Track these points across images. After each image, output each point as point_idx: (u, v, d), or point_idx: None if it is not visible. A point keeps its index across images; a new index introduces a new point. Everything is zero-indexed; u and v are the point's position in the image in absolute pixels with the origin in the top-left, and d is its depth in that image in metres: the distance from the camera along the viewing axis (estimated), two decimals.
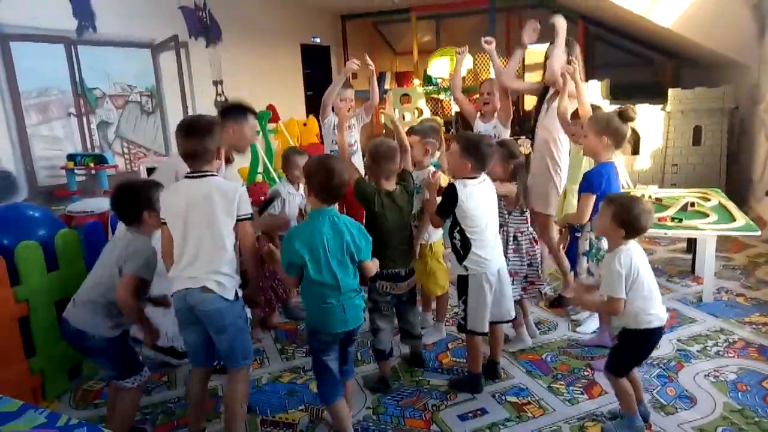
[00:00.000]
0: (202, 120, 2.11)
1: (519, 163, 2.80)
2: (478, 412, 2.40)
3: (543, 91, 3.57)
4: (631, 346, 2.17)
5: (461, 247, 2.45)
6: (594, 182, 2.60)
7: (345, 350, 2.22)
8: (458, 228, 2.45)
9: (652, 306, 2.11)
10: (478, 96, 3.78)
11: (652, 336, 2.15)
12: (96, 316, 2.10)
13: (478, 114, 3.75)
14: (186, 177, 2.08)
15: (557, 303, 3.44)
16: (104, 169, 5.00)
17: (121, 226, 2.29)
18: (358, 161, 3.86)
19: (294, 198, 3.34)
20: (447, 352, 2.94)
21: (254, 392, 2.62)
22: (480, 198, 2.44)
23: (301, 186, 3.29)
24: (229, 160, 2.73)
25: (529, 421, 2.32)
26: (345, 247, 2.07)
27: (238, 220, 2.05)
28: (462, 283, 2.49)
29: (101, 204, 3.72)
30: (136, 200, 2.17)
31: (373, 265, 2.21)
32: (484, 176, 2.51)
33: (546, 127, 3.44)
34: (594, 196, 2.58)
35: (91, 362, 2.26)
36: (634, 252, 2.11)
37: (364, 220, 2.49)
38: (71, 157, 4.98)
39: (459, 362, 2.80)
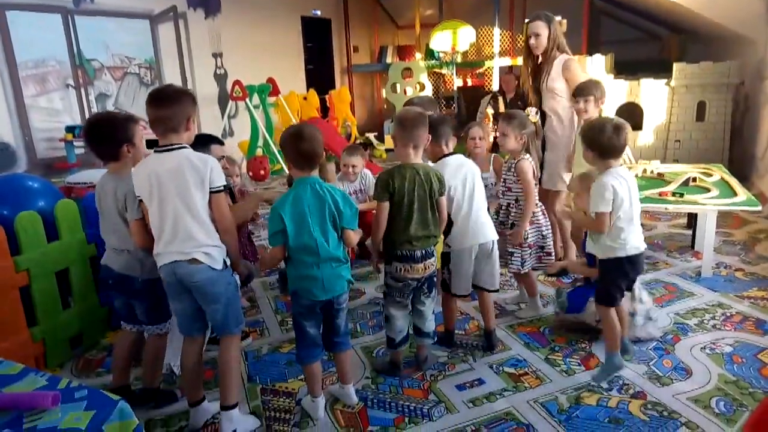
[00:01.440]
0: (170, 88, 2.06)
1: (530, 132, 2.83)
2: (476, 382, 2.43)
3: (533, 68, 3.50)
4: (612, 272, 2.29)
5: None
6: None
7: (331, 321, 2.20)
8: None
9: (632, 236, 2.24)
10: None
11: (630, 261, 2.28)
12: (135, 260, 2.15)
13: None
14: (155, 151, 2.00)
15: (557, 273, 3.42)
16: None
17: (99, 174, 2.27)
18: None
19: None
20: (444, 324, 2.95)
21: (254, 362, 2.65)
22: (456, 177, 2.49)
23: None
24: None
25: (525, 391, 2.35)
26: (327, 213, 2.06)
27: (211, 193, 2.00)
28: (445, 257, 2.59)
29: (100, 175, 3.70)
30: (114, 133, 2.11)
31: (355, 235, 2.16)
32: (460, 157, 2.56)
33: (550, 106, 3.42)
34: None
35: (121, 308, 2.31)
36: (620, 176, 2.23)
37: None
38: (70, 129, 4.96)
39: (458, 334, 2.82)
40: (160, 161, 1.98)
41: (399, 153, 2.38)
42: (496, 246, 2.60)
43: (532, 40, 3.39)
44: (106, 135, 2.12)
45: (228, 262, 2.09)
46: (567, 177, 3.36)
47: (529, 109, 3.01)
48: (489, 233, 2.57)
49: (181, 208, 1.97)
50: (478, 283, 2.63)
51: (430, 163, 2.50)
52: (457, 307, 2.80)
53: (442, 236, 2.55)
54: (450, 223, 2.49)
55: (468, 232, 2.51)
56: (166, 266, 2.01)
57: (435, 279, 2.49)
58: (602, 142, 2.23)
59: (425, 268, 2.38)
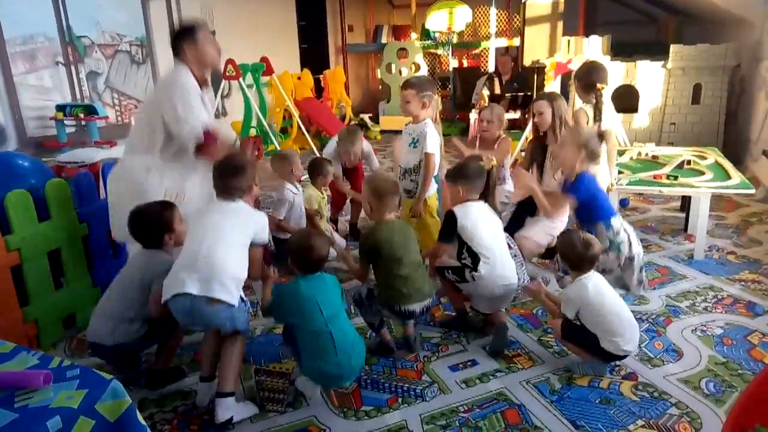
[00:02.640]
0: (238, 160, 2.32)
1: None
2: (469, 363, 2.45)
3: (539, 147, 3.34)
4: (592, 343, 2.29)
5: (471, 263, 2.48)
6: (579, 189, 2.62)
7: None
8: (465, 247, 2.50)
9: (618, 336, 2.24)
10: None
11: (610, 356, 2.29)
12: (129, 327, 2.19)
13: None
14: (218, 198, 2.27)
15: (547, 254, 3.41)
16: (94, 120, 4.92)
17: (91, 153, 2.35)
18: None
19: (298, 197, 3.45)
20: (439, 306, 2.96)
21: (248, 343, 2.64)
22: (475, 215, 2.51)
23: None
24: (205, 83, 2.72)
25: (518, 371, 2.37)
26: (331, 299, 2.16)
27: (252, 245, 2.20)
28: (460, 271, 2.55)
29: (91, 154, 3.67)
30: (155, 226, 2.28)
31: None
32: (483, 206, 2.58)
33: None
34: (570, 202, 2.68)
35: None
36: (590, 285, 2.28)
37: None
38: (60, 108, 4.89)
39: (451, 315, 2.83)
40: (222, 205, 2.24)
41: (376, 218, 2.47)
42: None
43: (537, 119, 3.33)
44: (148, 229, 2.30)
45: (244, 297, 2.21)
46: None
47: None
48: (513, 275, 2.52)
49: (221, 243, 2.10)
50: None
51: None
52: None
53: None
54: (477, 259, 2.47)
55: (494, 275, 2.47)
56: (181, 298, 2.02)
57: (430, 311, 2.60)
58: (572, 257, 2.33)
59: (421, 312, 2.47)
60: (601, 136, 2.65)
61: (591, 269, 2.34)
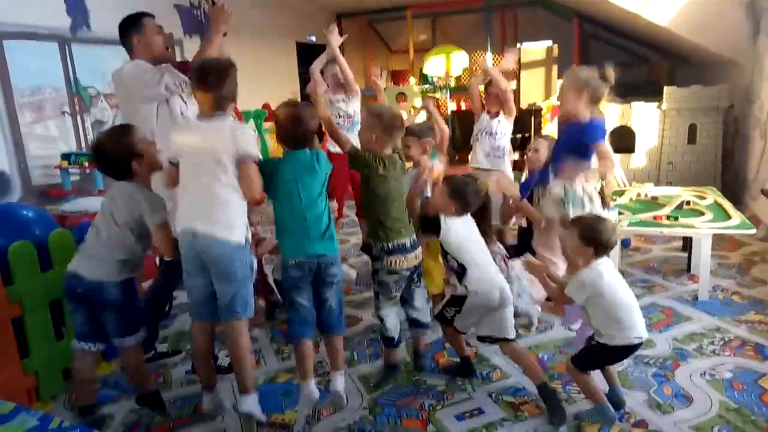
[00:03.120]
0: (215, 62, 2.16)
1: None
2: (475, 411, 2.40)
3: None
4: (604, 352, 2.24)
5: (458, 268, 2.47)
6: (595, 131, 2.63)
7: (322, 293, 2.26)
8: (449, 255, 2.51)
9: (628, 327, 2.18)
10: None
11: (627, 350, 2.24)
12: (111, 263, 2.14)
13: (484, 110, 3.80)
14: (198, 118, 2.13)
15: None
16: None
17: (95, 202, 2.32)
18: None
19: None
20: (443, 352, 2.93)
21: None
22: (463, 231, 2.49)
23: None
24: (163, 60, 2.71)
25: (525, 420, 2.32)
26: (317, 180, 2.20)
27: (243, 163, 2.06)
28: (454, 299, 2.52)
29: (95, 203, 3.69)
30: (118, 154, 2.14)
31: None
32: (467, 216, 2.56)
33: None
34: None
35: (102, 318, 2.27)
36: (604, 272, 2.19)
37: (361, 194, 2.54)
38: (65, 156, 4.95)
39: (456, 362, 2.79)
40: (202, 128, 2.07)
41: (375, 147, 2.43)
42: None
43: (531, 154, 3.45)
44: (111, 159, 2.16)
45: (249, 240, 2.14)
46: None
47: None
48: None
49: (214, 176, 2.01)
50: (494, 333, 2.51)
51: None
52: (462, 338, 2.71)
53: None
54: (464, 269, 2.46)
55: (485, 278, 2.44)
56: (185, 235, 2.03)
57: (421, 268, 2.61)
58: (596, 240, 2.18)
59: (416, 258, 2.51)
60: (603, 76, 2.59)
61: (605, 255, 2.25)
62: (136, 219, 2.13)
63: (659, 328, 3.07)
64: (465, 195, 2.49)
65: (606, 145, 2.61)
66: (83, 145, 5.47)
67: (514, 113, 3.76)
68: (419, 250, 2.53)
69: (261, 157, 2.16)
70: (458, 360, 2.72)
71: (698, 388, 2.49)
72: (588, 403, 2.40)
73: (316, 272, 2.23)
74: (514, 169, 3.85)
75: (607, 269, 2.22)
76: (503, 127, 3.80)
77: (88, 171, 5.00)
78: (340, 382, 2.35)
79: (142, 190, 2.17)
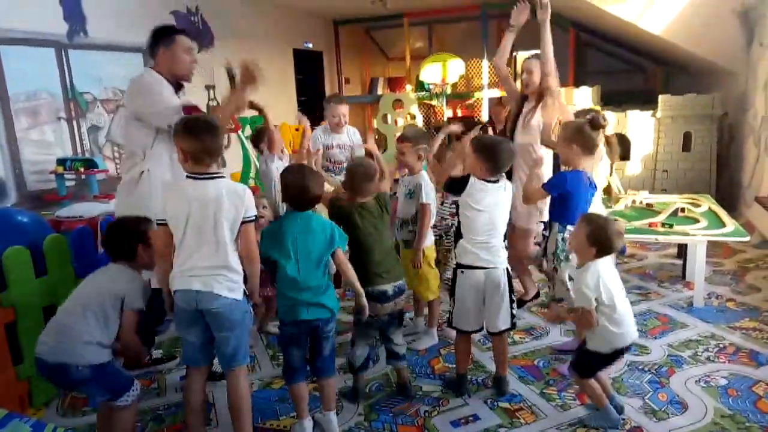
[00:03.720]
0: (205, 119, 2.12)
1: None
2: (470, 418, 2.40)
3: (519, 103, 3.43)
4: (597, 355, 2.24)
5: (455, 233, 2.53)
6: (554, 183, 2.63)
7: (317, 346, 2.26)
8: (458, 216, 2.50)
9: (622, 328, 2.20)
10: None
11: (616, 352, 2.24)
12: (78, 347, 1.97)
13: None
14: (188, 177, 2.02)
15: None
16: (94, 174, 4.96)
17: (89, 208, 2.28)
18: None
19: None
20: (439, 358, 2.93)
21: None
22: (487, 201, 2.40)
23: None
24: (179, 88, 2.78)
25: (521, 427, 2.32)
26: (315, 246, 2.18)
27: (243, 222, 2.04)
28: (453, 281, 2.54)
29: (90, 209, 3.69)
30: (128, 236, 2.18)
31: (342, 255, 2.27)
32: (504, 182, 2.45)
33: (524, 141, 3.30)
34: (546, 194, 2.64)
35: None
36: (601, 271, 2.19)
37: None
38: (61, 162, 4.94)
39: (451, 368, 2.79)
40: (198, 188, 1.99)
41: (350, 198, 2.47)
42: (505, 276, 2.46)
43: (525, 77, 3.41)
44: (121, 238, 2.19)
45: (246, 292, 2.11)
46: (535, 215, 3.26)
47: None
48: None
49: (212, 235, 1.98)
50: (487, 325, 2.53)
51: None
52: (470, 350, 2.69)
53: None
54: (459, 234, 2.48)
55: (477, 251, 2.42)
56: (185, 292, 1.99)
57: (404, 312, 2.58)
58: (602, 239, 2.17)
59: (396, 306, 2.46)
60: (593, 121, 2.54)
61: (606, 258, 2.22)
62: (118, 296, 2.07)
63: (654, 335, 3.08)
64: (494, 153, 2.38)
65: (541, 193, 2.66)
66: (79, 150, 5.46)
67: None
68: (402, 297, 2.47)
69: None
70: (455, 375, 2.66)
71: (693, 394, 2.49)
72: (584, 408, 2.41)
73: (311, 330, 2.23)
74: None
75: (603, 266, 2.20)
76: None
77: (83, 177, 4.99)
78: (332, 421, 2.31)
79: (133, 274, 2.16)
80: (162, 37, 2.69)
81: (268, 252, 2.17)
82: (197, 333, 2.07)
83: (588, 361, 2.28)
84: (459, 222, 2.50)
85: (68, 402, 2.66)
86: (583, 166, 2.58)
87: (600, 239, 2.17)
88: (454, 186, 2.47)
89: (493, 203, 2.41)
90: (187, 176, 2.03)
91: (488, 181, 2.40)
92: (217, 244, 1.99)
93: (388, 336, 2.52)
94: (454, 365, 2.71)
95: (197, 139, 1.97)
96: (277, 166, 3.29)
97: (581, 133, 2.56)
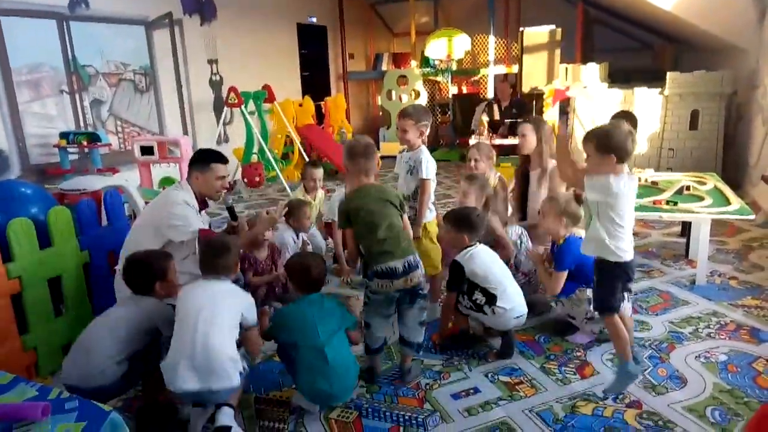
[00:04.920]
0: (225, 240, 2.44)
1: (489, 194, 3.11)
2: (471, 390, 2.42)
3: (523, 174, 3.60)
4: (607, 275, 2.30)
5: (486, 302, 2.60)
6: (565, 260, 2.73)
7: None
8: (478, 289, 2.62)
9: (620, 243, 2.24)
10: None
11: (625, 267, 2.28)
12: (117, 368, 2.10)
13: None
14: (204, 278, 2.30)
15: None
16: (97, 147, 4.96)
17: (93, 180, 2.38)
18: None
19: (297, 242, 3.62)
20: (440, 333, 2.94)
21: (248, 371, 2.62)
22: (484, 258, 2.66)
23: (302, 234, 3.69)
24: (204, 205, 3.00)
25: (521, 400, 2.34)
26: (329, 321, 2.26)
27: (245, 329, 2.26)
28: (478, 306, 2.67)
29: (94, 182, 3.68)
30: (148, 272, 2.32)
31: (355, 336, 2.42)
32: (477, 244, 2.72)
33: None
34: (566, 273, 2.73)
35: None
36: (612, 181, 2.18)
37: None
38: (64, 135, 4.94)
39: (453, 333, 2.81)
40: (205, 285, 2.26)
41: (351, 182, 2.51)
42: None
43: (520, 140, 3.52)
44: (140, 274, 2.33)
45: (246, 368, 2.22)
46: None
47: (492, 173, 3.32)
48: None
49: (214, 327, 2.11)
50: None
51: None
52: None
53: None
54: (492, 300, 2.62)
55: (510, 309, 2.62)
56: (188, 393, 2.08)
57: (421, 291, 2.44)
58: (612, 142, 2.17)
59: (408, 282, 2.36)
60: (578, 198, 2.66)
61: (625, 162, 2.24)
62: (147, 328, 2.22)
63: (656, 312, 3.09)
64: (472, 223, 2.68)
65: (561, 280, 2.76)
66: (81, 124, 5.45)
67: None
68: (417, 272, 2.39)
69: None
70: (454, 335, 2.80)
71: (693, 370, 2.51)
72: (585, 381, 2.43)
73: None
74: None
75: (630, 186, 2.22)
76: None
77: (86, 150, 4.99)
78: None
79: (161, 306, 2.31)
80: (199, 162, 2.90)
81: (285, 337, 2.30)
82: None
83: (604, 285, 2.32)
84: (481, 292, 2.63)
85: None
86: (568, 233, 2.77)
87: (611, 144, 2.15)
88: (455, 281, 2.69)
89: (485, 256, 2.69)
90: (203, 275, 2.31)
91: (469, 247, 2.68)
92: (218, 338, 2.11)
93: (402, 315, 2.47)
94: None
95: (214, 257, 2.31)
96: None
97: (571, 206, 2.74)
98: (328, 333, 2.22)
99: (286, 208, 3.42)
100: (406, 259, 2.35)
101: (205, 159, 2.90)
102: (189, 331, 2.09)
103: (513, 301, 2.61)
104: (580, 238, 2.60)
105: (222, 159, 2.93)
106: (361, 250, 2.43)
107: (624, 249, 2.26)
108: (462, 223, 2.70)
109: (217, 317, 2.14)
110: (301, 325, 2.23)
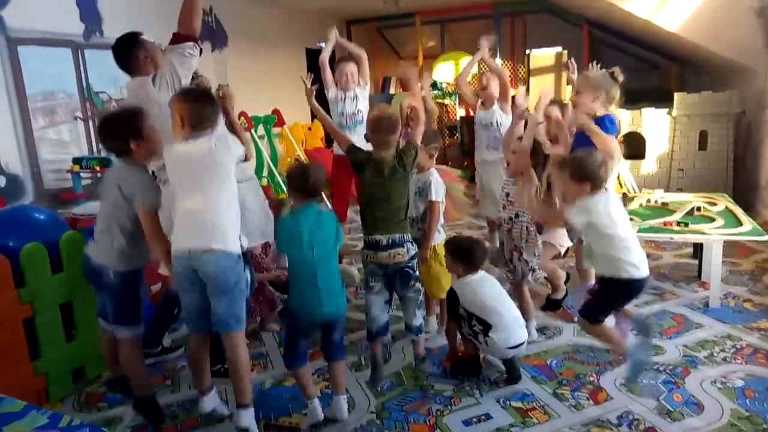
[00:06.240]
0: (201, 88, 2.25)
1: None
2: (483, 417, 2.39)
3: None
4: (609, 293, 2.29)
5: (483, 330, 2.56)
6: (611, 127, 2.69)
7: (327, 333, 2.35)
8: (475, 317, 2.58)
9: (630, 256, 2.22)
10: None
11: (631, 285, 2.26)
12: (111, 249, 2.17)
13: (479, 103, 3.84)
14: (184, 139, 2.13)
15: (549, 306, 3.41)
16: None
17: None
18: (363, 130, 4.03)
19: None
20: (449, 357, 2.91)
21: (258, 396, 2.61)
22: (480, 287, 2.62)
23: None
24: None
25: (533, 426, 2.31)
26: (324, 240, 2.25)
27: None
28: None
29: None
30: (120, 131, 2.18)
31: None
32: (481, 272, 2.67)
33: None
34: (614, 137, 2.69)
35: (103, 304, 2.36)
36: (607, 201, 2.23)
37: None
38: (77, 161, 5.00)
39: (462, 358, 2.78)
40: (188, 146, 2.12)
41: (373, 148, 2.55)
42: None
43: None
44: (113, 134, 2.20)
45: (246, 250, 2.20)
46: None
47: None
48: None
49: (208, 189, 2.06)
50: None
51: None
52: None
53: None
54: (488, 328, 2.58)
55: (505, 339, 2.57)
56: (181, 254, 2.07)
57: (409, 271, 2.57)
58: (591, 172, 2.25)
59: (391, 257, 2.51)
60: (612, 74, 2.65)
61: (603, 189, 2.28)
62: (127, 198, 2.12)
63: (669, 335, 3.04)
64: (473, 256, 2.62)
65: (614, 141, 2.65)
66: (95, 149, 5.52)
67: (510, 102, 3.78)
68: (399, 249, 2.52)
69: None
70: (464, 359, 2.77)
71: (709, 395, 2.46)
72: (598, 407, 2.39)
73: (323, 323, 2.34)
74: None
75: (610, 200, 2.24)
76: (499, 118, 3.81)
77: (99, 175, 5.04)
78: (342, 404, 2.39)
79: (135, 171, 2.18)
80: (131, 45, 2.66)
81: (286, 252, 2.28)
82: (193, 297, 2.18)
83: (599, 298, 2.27)
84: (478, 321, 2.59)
85: (84, 397, 2.69)
86: (604, 111, 2.71)
87: (584, 173, 2.21)
88: (453, 308, 2.66)
89: (481, 286, 2.62)
90: (183, 139, 2.14)
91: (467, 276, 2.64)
92: (214, 200, 2.09)
93: (401, 300, 2.65)
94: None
95: (191, 103, 2.12)
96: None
97: (607, 82, 2.68)
98: (321, 253, 2.23)
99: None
100: (391, 236, 2.51)
101: (131, 39, 2.71)
102: (185, 208, 2.14)
103: (508, 332, 2.54)
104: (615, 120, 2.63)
105: (139, 32, 2.77)
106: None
107: (636, 264, 2.23)
108: (458, 254, 2.67)
109: (213, 193, 2.12)
110: (296, 239, 2.22)
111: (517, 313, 2.65)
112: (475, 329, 2.59)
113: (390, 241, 2.51)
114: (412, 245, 2.59)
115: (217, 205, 2.11)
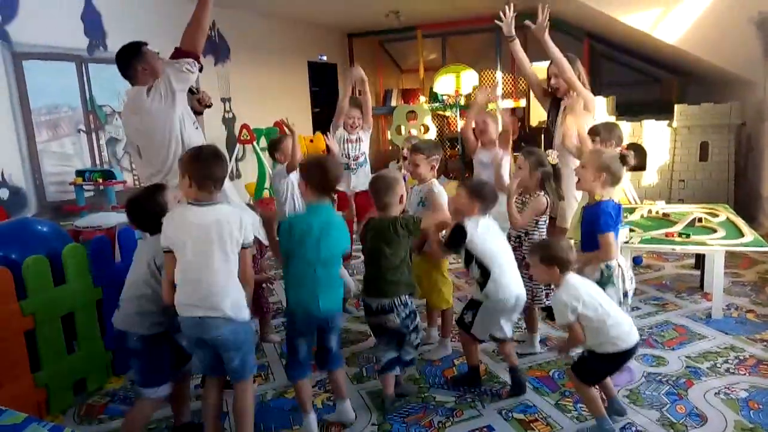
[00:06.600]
0: (213, 147, 2.20)
1: (546, 172, 2.88)
2: (485, 429, 2.37)
3: (554, 105, 3.70)
4: (597, 362, 2.24)
5: (481, 275, 2.51)
6: (603, 221, 2.48)
7: (323, 338, 2.34)
8: (475, 261, 2.53)
9: (618, 329, 2.18)
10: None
11: (619, 357, 2.22)
12: (133, 315, 2.17)
13: (479, 144, 3.77)
14: (190, 203, 2.08)
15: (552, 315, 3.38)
16: (112, 185, 5.04)
17: (107, 218, 2.35)
18: (367, 172, 4.10)
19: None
20: (453, 368, 2.91)
21: (259, 408, 2.60)
22: (488, 231, 2.56)
23: None
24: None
25: None
26: (333, 241, 2.26)
27: (242, 248, 2.12)
28: (473, 302, 2.58)
29: (108, 219, 3.74)
30: (146, 211, 2.25)
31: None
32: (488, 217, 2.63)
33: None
34: (612, 234, 2.48)
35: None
36: (578, 285, 2.22)
37: None
38: (80, 173, 5.03)
39: (463, 372, 2.77)
40: (198, 214, 2.05)
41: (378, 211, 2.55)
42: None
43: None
44: (140, 215, 2.27)
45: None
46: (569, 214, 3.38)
47: (549, 151, 3.08)
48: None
49: (214, 259, 2.03)
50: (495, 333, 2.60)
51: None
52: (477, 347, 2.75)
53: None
54: (486, 275, 2.50)
55: (504, 286, 2.50)
56: (191, 319, 2.04)
57: (403, 329, 2.48)
58: (560, 257, 2.24)
59: (383, 323, 2.46)
60: (624, 158, 2.61)
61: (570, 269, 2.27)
62: (160, 268, 2.16)
63: (672, 346, 3.03)
64: (485, 195, 2.57)
65: (610, 236, 2.47)
66: (98, 161, 5.56)
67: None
68: (390, 316, 2.44)
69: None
70: (466, 371, 2.75)
71: (712, 407, 2.44)
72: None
73: (319, 324, 2.32)
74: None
75: (579, 283, 2.23)
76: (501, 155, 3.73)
77: (101, 187, 5.07)
78: (348, 409, 2.43)
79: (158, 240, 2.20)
80: (131, 56, 2.77)
81: (292, 250, 2.26)
82: (204, 353, 2.15)
83: (592, 365, 2.25)
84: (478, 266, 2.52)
85: (85, 410, 2.69)
86: (602, 195, 2.54)
87: (553, 258, 2.23)
88: (453, 242, 2.57)
89: (489, 230, 2.57)
90: (190, 203, 2.08)
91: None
92: (222, 270, 2.04)
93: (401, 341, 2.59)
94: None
95: (204, 165, 2.06)
96: (294, 179, 3.38)
97: (615, 164, 2.54)
98: (327, 256, 2.24)
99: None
100: (380, 302, 2.45)
101: (133, 49, 2.80)
102: (189, 274, 2.06)
103: (508, 278, 2.49)
104: (618, 205, 2.56)
105: (144, 42, 2.86)
106: None
107: (623, 338, 2.18)
108: (478, 193, 2.56)
109: (217, 259, 2.06)
110: (304, 238, 2.21)
111: (517, 273, 2.57)
112: (474, 277, 2.54)
113: (379, 307, 2.45)
114: (405, 307, 2.47)
115: (226, 272, 2.06)
